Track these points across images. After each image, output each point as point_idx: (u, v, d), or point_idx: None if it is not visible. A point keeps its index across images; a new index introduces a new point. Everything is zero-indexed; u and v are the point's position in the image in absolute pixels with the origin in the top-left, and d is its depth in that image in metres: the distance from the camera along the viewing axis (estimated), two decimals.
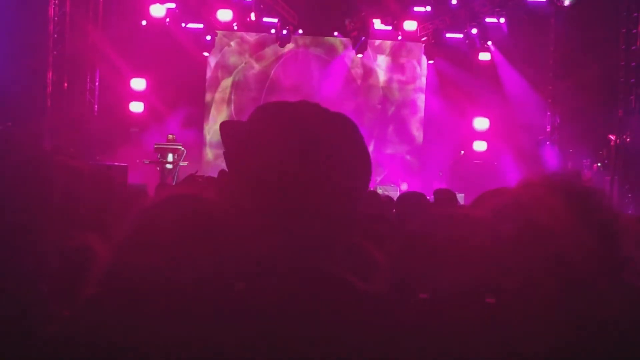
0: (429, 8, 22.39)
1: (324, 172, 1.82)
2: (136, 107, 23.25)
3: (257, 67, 25.08)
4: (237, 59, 25.13)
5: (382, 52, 25.32)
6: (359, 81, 25.25)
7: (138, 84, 23.11)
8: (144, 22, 22.95)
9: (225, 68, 25.14)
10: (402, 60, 25.36)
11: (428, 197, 9.62)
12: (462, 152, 23.72)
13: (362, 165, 1.90)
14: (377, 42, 25.00)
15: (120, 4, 22.48)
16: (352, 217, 1.87)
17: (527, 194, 2.25)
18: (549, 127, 22.93)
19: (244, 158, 1.85)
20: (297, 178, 1.79)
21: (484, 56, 23.48)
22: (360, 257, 3.50)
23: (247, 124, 1.90)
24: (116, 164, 18.30)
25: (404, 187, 22.57)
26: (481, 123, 23.73)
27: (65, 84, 22.33)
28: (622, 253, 2.18)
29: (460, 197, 15.98)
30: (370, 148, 24.05)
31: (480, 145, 23.74)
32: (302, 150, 1.82)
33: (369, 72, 25.30)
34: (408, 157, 25.10)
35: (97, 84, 23.21)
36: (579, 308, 2.08)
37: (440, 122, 24.41)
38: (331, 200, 1.81)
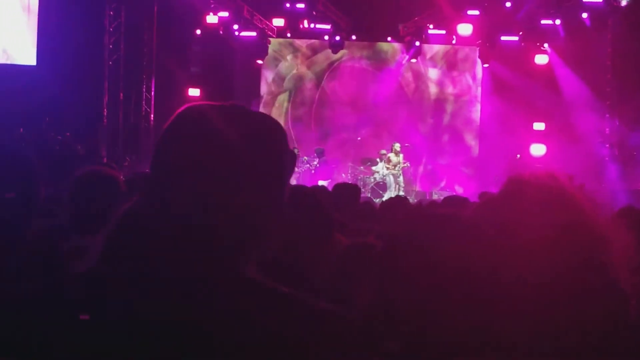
0: (477, 12, 22.14)
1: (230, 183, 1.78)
2: None
3: (309, 76, 25.11)
4: (290, 69, 25.17)
5: (434, 65, 25.19)
6: (410, 94, 25.16)
7: (194, 93, 23.27)
8: (198, 32, 23.14)
9: (280, 81, 25.19)
10: (455, 73, 25.21)
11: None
12: (519, 155, 23.43)
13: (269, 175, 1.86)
14: (429, 54, 24.88)
15: (175, 14, 22.65)
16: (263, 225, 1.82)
17: (506, 193, 2.25)
18: (607, 129, 22.54)
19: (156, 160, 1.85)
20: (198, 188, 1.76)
21: (540, 59, 23.20)
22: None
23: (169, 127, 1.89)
24: None
25: (459, 190, 22.43)
26: (538, 127, 23.41)
27: (121, 94, 22.60)
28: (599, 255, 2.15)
29: None
30: (424, 159, 24.01)
31: (537, 149, 23.38)
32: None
33: (421, 84, 25.21)
34: (463, 167, 24.93)
35: (152, 93, 23.42)
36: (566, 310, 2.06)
37: (496, 127, 24.19)
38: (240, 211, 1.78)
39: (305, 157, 22.85)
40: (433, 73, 25.28)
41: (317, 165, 22.73)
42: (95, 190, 3.87)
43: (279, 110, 24.98)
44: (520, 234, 2.16)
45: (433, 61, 25.19)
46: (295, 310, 1.78)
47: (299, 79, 25.14)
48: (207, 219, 1.75)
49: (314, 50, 25.02)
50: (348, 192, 8.42)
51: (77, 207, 3.83)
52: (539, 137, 23.55)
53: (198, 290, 1.71)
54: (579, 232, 2.17)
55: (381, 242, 3.81)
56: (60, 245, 2.78)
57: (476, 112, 25.38)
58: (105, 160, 20.83)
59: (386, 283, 2.20)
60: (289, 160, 1.91)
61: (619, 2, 20.11)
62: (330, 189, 13.14)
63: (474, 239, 2.14)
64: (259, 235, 1.81)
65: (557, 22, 22.28)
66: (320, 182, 21.70)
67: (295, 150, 21.31)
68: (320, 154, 22.79)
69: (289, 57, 25.10)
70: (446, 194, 21.44)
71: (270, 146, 1.87)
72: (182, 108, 1.91)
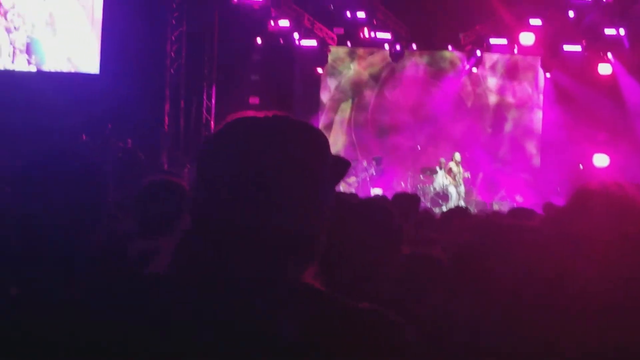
0: (539, 21, 21.91)
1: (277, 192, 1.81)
2: None
3: (370, 80, 25.09)
4: (350, 76, 25.18)
5: (494, 74, 25.00)
6: (469, 103, 24.99)
7: (253, 101, 23.38)
8: (258, 40, 23.29)
9: (342, 88, 25.21)
10: (515, 82, 24.98)
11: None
12: (581, 166, 23.13)
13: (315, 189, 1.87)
14: (489, 63, 24.71)
15: (236, 22, 22.83)
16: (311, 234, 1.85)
17: (575, 205, 2.20)
18: None
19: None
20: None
21: (604, 68, 22.90)
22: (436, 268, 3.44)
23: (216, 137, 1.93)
24: None
25: (519, 199, 22.21)
26: (601, 137, 23.07)
27: (182, 102, 22.85)
28: None
29: None
30: (484, 168, 23.84)
31: (600, 159, 23.03)
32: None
33: (480, 93, 25.02)
34: (524, 176, 24.64)
35: (213, 101, 23.62)
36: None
37: (558, 137, 23.90)
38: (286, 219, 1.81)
39: (365, 163, 22.89)
40: (493, 82, 25.06)
41: (374, 173, 22.71)
42: (163, 198, 3.94)
43: (341, 117, 24.99)
44: (591, 246, 2.12)
45: (493, 70, 24.99)
46: (355, 318, 1.79)
47: (359, 84, 25.12)
48: (254, 227, 1.77)
49: (374, 58, 24.98)
50: (408, 201, 8.39)
51: (144, 214, 3.90)
52: (602, 147, 23.22)
53: (259, 294, 1.74)
54: None
55: (446, 252, 3.79)
56: (128, 249, 2.82)
57: (537, 122, 25.10)
58: (165, 167, 21.07)
59: (455, 293, 2.19)
60: (335, 169, 1.93)
61: None
62: (384, 197, 13.12)
63: (544, 250, 2.12)
64: (307, 242, 1.83)
65: (622, 31, 21.92)
66: (374, 191, 21.64)
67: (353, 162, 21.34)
68: (378, 162, 22.75)
69: (349, 64, 25.11)
70: (506, 204, 21.25)
71: (313, 156, 1.88)
72: (228, 120, 1.94)
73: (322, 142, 1.93)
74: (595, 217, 2.16)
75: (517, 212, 7.36)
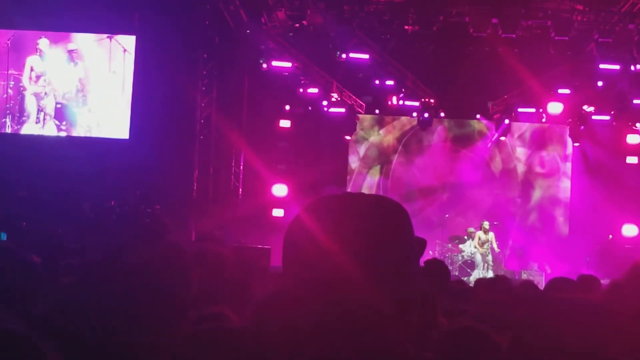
0: (567, 91, 21.93)
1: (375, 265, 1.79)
2: (279, 190, 23.33)
3: (398, 148, 25.12)
4: (380, 143, 25.23)
5: (523, 143, 24.99)
6: (497, 172, 24.94)
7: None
8: (287, 107, 23.46)
9: (370, 156, 25.26)
10: (544, 152, 24.94)
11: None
12: (610, 236, 22.93)
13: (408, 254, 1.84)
14: (517, 133, 24.71)
15: (265, 89, 23.01)
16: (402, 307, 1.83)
17: (635, 277, 2.14)
18: None
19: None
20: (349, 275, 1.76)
21: (633, 138, 22.84)
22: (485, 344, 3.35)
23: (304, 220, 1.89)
24: (259, 246, 18.45)
25: (548, 271, 22.01)
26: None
27: (211, 168, 22.94)
28: None
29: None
30: (512, 238, 23.70)
31: (630, 230, 22.84)
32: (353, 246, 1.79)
33: (509, 162, 24.97)
34: (552, 247, 24.46)
35: (241, 167, 23.70)
36: None
37: (587, 207, 23.77)
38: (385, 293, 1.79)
39: None
40: (521, 151, 25.03)
41: None
42: (207, 266, 3.94)
43: (370, 183, 25.00)
44: None
45: (522, 139, 24.97)
46: None
47: (387, 150, 25.16)
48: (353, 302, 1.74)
49: (402, 125, 25.05)
50: (438, 267, 8.29)
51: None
52: (631, 217, 23.03)
53: None
54: None
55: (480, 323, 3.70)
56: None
57: (565, 192, 24.98)
58: (193, 235, 21.06)
59: None
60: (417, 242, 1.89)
61: None
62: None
63: (611, 326, 2.05)
64: (406, 312, 1.80)
65: None
66: None
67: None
68: None
69: (377, 132, 25.20)
70: (535, 273, 21.07)
71: (400, 229, 1.85)
72: (293, 221, 1.93)
73: (406, 213, 1.90)
74: None
75: (556, 284, 7.24)
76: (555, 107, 22.46)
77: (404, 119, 24.75)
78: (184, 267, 2.68)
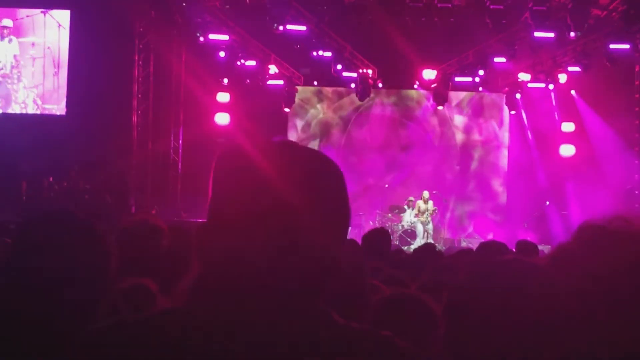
0: (503, 59, 22.13)
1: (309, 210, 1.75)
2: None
3: (336, 122, 25.18)
4: (317, 115, 25.26)
5: (460, 112, 25.20)
6: (436, 141, 25.14)
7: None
8: (225, 80, 23.29)
9: (308, 128, 25.27)
10: (481, 119, 25.19)
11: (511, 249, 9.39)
12: (547, 202, 23.32)
13: (343, 208, 1.84)
14: (455, 101, 24.91)
15: (203, 63, 22.78)
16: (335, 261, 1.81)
17: (582, 241, 2.17)
18: (637, 175, 22.38)
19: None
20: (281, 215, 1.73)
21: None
22: (419, 309, 3.39)
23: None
24: (199, 220, 18.35)
25: (490, 237, 22.30)
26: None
27: (150, 143, 22.76)
28: None
29: (546, 249, 15.65)
30: (451, 205, 23.97)
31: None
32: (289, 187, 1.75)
33: (447, 130, 25.18)
34: (491, 213, 24.81)
35: (180, 142, 23.54)
36: None
37: (524, 174, 24.10)
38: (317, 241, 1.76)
39: None
40: (459, 120, 25.25)
41: None
42: (142, 239, 3.91)
43: None
44: (605, 284, 2.08)
45: (459, 108, 25.19)
46: (371, 346, 1.76)
47: (326, 124, 25.20)
48: (278, 261, 1.72)
49: (340, 95, 25.12)
50: (379, 237, 8.37)
51: (123, 255, 3.86)
52: (567, 183, 23.41)
53: (280, 320, 1.71)
54: None
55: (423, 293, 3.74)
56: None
57: (503, 159, 25.28)
58: (133, 209, 20.92)
59: (459, 332, 2.15)
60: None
61: None
62: (353, 236, 13.03)
63: (554, 288, 2.07)
64: (328, 273, 1.79)
65: (585, 69, 22.13)
66: None
67: None
68: None
69: (316, 104, 25.20)
70: (475, 241, 21.35)
71: (335, 186, 1.84)
72: (228, 148, 1.87)
73: (340, 170, 1.88)
74: (606, 253, 2.12)
75: (488, 247, 7.35)
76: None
77: (342, 90, 24.79)
78: (101, 245, 2.62)
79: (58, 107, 21.98)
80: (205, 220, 1.83)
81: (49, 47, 22.07)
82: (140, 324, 1.78)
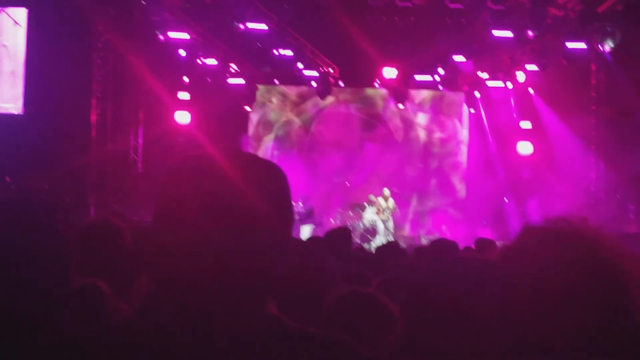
0: (462, 58, 22.24)
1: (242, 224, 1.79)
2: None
3: (297, 121, 25.21)
4: (278, 114, 25.27)
5: (422, 110, 25.34)
6: (399, 139, 25.26)
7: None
8: (186, 79, 23.19)
9: (267, 124, 25.26)
10: (442, 117, 25.36)
11: (472, 247, 9.46)
12: (506, 199, 23.52)
13: (280, 215, 1.88)
14: (417, 99, 25.05)
15: (163, 62, 22.63)
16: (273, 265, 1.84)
17: (527, 241, 2.22)
18: (593, 172, 22.62)
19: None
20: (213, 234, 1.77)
21: (526, 102, 23.39)
22: (375, 308, 3.40)
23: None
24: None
25: (447, 233, 22.45)
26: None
27: (109, 142, 22.58)
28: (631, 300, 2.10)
29: None
30: (413, 202, 24.07)
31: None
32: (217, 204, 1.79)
33: (409, 128, 25.31)
34: (451, 210, 24.97)
35: (140, 142, 23.39)
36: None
37: (483, 171, 24.30)
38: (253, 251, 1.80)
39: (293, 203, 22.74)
40: (421, 118, 25.40)
41: (302, 211, 22.70)
42: (103, 239, 3.90)
43: (263, 152, 24.92)
44: (547, 285, 2.11)
45: (421, 106, 25.33)
46: (317, 346, 1.78)
47: (288, 123, 25.22)
48: (222, 265, 1.75)
49: (302, 94, 25.13)
50: (340, 235, 8.41)
51: (84, 255, 3.84)
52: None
53: (220, 324, 1.72)
54: (609, 277, 2.12)
55: (382, 291, 3.76)
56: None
57: (463, 156, 25.48)
58: (92, 209, 20.75)
59: (417, 330, 2.18)
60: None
61: (603, 47, 20.22)
62: (314, 235, 13.08)
63: (503, 285, 2.11)
64: (273, 275, 1.82)
65: (542, 67, 22.31)
66: (304, 228, 21.56)
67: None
68: (305, 201, 22.76)
69: (277, 103, 25.19)
70: (434, 237, 21.47)
71: (279, 190, 1.88)
72: (183, 157, 1.91)
73: (285, 175, 1.94)
74: (548, 254, 2.16)
75: (441, 244, 7.41)
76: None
77: (303, 88, 24.80)
78: (61, 248, 2.60)
79: (15, 106, 21.71)
80: (151, 222, 1.85)
81: (4, 45, 21.80)
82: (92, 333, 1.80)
